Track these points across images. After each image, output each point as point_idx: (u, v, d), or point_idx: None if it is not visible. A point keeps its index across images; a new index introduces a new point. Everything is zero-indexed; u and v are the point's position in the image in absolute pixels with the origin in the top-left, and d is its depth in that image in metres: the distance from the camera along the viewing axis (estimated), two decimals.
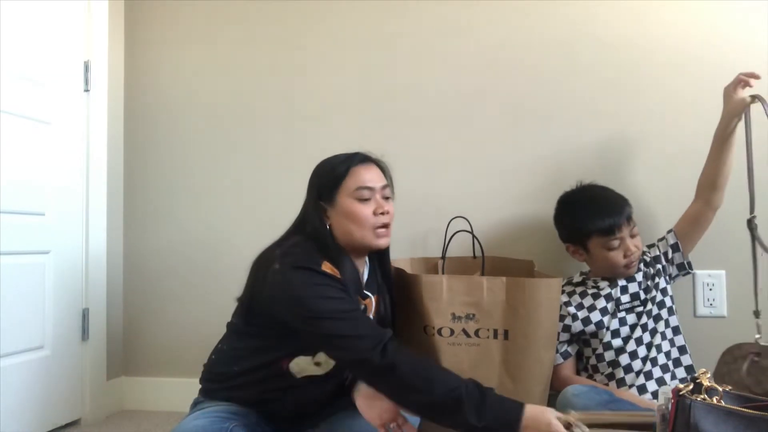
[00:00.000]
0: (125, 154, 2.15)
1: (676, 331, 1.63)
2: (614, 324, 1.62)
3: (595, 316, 1.64)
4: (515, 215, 1.95)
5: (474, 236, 1.77)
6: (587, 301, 1.66)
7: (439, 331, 1.52)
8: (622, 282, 1.65)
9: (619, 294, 1.64)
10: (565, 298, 1.67)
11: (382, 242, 1.34)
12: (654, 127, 1.89)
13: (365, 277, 1.42)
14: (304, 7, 2.07)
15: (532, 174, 1.95)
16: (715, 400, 0.99)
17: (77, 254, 1.93)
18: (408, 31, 2.02)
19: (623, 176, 1.86)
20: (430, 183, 1.99)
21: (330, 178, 1.35)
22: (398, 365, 1.14)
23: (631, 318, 1.63)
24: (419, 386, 1.13)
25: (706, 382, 1.01)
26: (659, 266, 1.67)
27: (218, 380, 1.36)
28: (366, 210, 1.31)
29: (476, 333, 1.52)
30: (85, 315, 1.94)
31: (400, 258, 1.88)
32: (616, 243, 1.59)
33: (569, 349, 1.68)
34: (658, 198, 1.84)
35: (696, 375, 1.03)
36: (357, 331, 1.19)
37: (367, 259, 1.44)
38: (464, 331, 1.52)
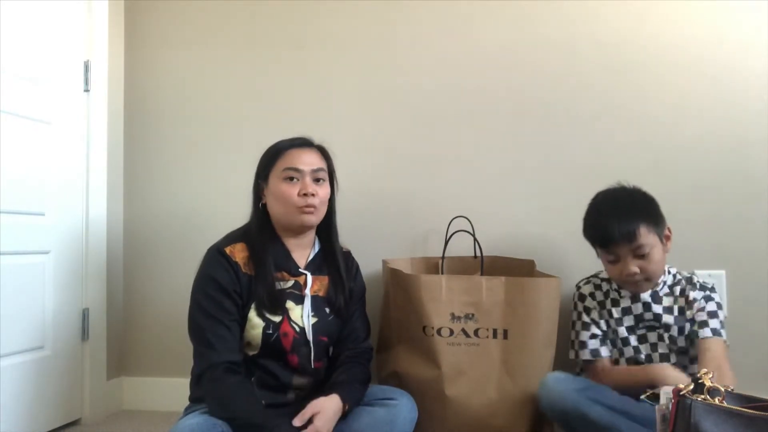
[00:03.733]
0: (125, 154, 2.14)
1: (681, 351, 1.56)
2: (633, 341, 1.57)
3: (622, 332, 1.57)
4: (517, 215, 1.95)
5: (474, 236, 1.77)
6: (614, 312, 1.59)
7: (439, 331, 1.52)
8: (645, 298, 1.56)
9: (641, 310, 1.56)
10: (588, 290, 1.63)
11: (305, 219, 1.39)
12: (655, 128, 1.89)
13: (311, 256, 1.46)
14: (304, 7, 2.07)
15: (532, 173, 1.95)
16: (717, 401, 0.99)
17: (77, 254, 1.93)
18: (408, 31, 2.02)
19: (623, 177, 1.85)
20: (430, 182, 1.99)
21: (266, 159, 1.45)
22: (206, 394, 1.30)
23: (652, 336, 1.56)
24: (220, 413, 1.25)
25: (708, 383, 1.01)
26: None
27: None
28: (291, 190, 1.38)
29: (476, 333, 1.52)
30: (85, 315, 1.94)
31: (400, 258, 1.88)
32: (611, 257, 1.51)
33: (602, 349, 1.57)
34: (657, 199, 1.84)
35: (698, 375, 1.03)
36: (205, 338, 1.30)
37: (316, 239, 1.50)
38: (464, 330, 1.52)
